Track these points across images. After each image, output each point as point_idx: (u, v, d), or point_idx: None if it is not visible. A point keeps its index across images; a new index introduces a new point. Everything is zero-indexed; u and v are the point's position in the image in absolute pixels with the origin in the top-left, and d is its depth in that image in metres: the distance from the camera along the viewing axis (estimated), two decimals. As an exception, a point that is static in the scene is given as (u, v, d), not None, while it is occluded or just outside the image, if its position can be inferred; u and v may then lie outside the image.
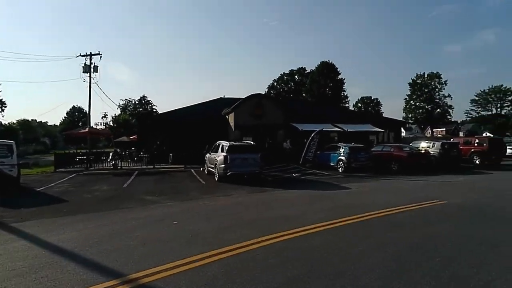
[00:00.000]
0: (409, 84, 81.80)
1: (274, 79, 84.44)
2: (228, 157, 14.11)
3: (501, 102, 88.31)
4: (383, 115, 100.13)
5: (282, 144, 24.66)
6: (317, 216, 7.66)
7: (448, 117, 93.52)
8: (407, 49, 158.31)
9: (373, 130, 27.70)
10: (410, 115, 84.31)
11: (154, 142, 26.00)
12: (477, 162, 21.29)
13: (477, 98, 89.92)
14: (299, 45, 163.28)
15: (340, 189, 12.49)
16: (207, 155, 17.33)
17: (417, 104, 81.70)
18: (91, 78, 30.56)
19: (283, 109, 25.03)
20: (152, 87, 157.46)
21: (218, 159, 14.82)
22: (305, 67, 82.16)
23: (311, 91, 71.13)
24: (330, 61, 72.47)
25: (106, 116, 67.37)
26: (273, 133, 24.84)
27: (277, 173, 18.14)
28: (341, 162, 18.44)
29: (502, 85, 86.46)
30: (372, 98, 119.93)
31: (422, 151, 18.95)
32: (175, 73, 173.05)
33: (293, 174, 17.46)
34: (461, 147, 22.42)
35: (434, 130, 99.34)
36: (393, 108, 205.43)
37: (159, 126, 26.36)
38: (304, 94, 74.28)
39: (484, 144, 21.06)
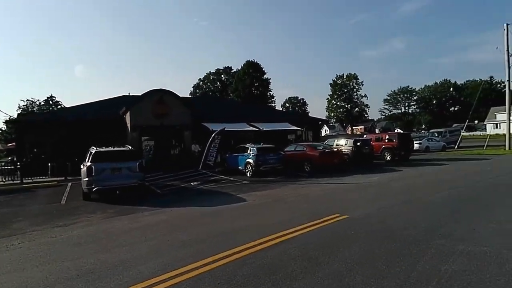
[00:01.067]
0: (330, 84, 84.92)
1: (200, 79, 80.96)
2: (93, 168, 10.65)
3: (408, 101, 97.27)
4: (309, 114, 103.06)
5: (190, 147, 21.67)
6: (153, 263, 4.87)
7: (366, 115, 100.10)
8: (331, 53, 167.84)
9: (291, 128, 26.24)
10: (332, 114, 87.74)
11: (32, 149, 20.96)
12: (388, 158, 20.85)
13: (388, 98, 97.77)
14: (228, 45, 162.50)
15: (234, 203, 9.94)
16: (81, 165, 13.52)
17: (338, 103, 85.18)
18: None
19: (191, 107, 22.00)
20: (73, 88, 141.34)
21: (82, 171, 11.27)
22: (231, 67, 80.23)
23: (237, 91, 69.23)
24: (255, 61, 71.22)
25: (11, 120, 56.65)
26: (180, 135, 21.67)
27: (175, 182, 15.13)
28: (249, 166, 16.13)
29: (408, 86, 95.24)
30: (299, 98, 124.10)
31: (335, 150, 17.59)
32: (100, 71, 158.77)
33: (192, 183, 14.59)
34: (373, 143, 21.91)
35: (354, 127, 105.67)
36: (318, 107, 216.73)
37: (45, 129, 21.21)
38: (230, 94, 72.12)
39: (394, 140, 20.70)
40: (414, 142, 30.53)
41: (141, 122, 20.20)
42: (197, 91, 79.61)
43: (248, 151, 16.46)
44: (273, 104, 75.51)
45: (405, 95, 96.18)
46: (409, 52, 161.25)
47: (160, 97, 20.83)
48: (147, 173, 12.53)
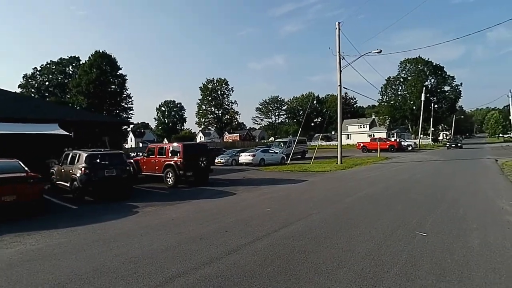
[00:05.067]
0: (200, 88, 77.79)
1: (36, 68, 62.88)
2: None
3: (278, 111, 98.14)
4: (187, 119, 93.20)
5: None
6: None
7: (242, 123, 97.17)
8: (213, 60, 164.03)
9: (55, 132, 16.62)
10: (202, 120, 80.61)
11: None
12: (170, 182, 13.39)
13: (260, 107, 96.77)
14: (103, 40, 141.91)
15: None
16: None
17: (208, 108, 78.63)
18: None
19: None
20: None
21: None
22: (79, 57, 64.80)
23: (80, 86, 55.11)
24: (108, 52, 58.17)
25: None
26: None
27: None
28: None
29: (278, 96, 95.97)
30: (176, 102, 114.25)
31: (13, 176, 8.79)
32: None
33: None
34: (156, 159, 14.28)
35: (230, 135, 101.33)
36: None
37: None
38: (71, 89, 57.14)
39: (178, 155, 13.36)
40: (248, 154, 24.91)
41: None
42: (30, 81, 61.60)
43: None
44: (131, 105, 63.40)
45: (276, 105, 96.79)
46: (289, 68, 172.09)
47: None
48: None
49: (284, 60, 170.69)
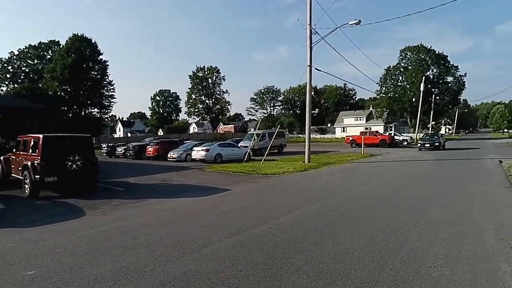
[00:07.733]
0: (190, 77, 73.23)
1: (12, 52, 58.79)
2: None
3: (274, 101, 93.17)
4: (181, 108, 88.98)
5: None
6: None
7: (241, 114, 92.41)
8: (220, 51, 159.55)
9: None
10: (192, 109, 76.31)
11: None
12: (27, 191, 9.21)
13: (255, 97, 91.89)
14: (104, 28, 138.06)
15: None
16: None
17: (198, 98, 74.19)
18: None
19: None
20: None
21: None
22: (59, 41, 60.46)
23: (55, 71, 50.88)
24: (87, 36, 53.68)
25: None
26: None
27: None
28: None
29: (273, 86, 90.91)
30: (171, 91, 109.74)
31: None
32: None
33: None
34: (20, 156, 10.12)
35: (224, 126, 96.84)
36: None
37: None
38: (46, 75, 52.99)
39: (37, 151, 9.14)
40: (201, 148, 20.62)
41: None
42: (6, 66, 57.56)
43: None
44: (113, 93, 58.84)
45: (271, 95, 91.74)
46: (292, 60, 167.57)
47: None
48: None
49: (286, 51, 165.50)
